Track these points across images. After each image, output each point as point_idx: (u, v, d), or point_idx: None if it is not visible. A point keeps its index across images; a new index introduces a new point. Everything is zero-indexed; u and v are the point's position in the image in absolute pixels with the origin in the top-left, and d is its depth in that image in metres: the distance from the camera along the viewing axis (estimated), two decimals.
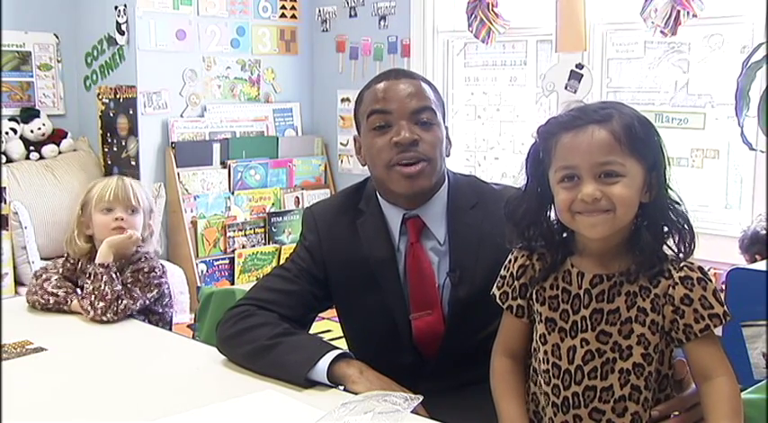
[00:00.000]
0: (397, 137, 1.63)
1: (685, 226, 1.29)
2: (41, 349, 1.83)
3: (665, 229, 1.30)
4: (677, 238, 1.29)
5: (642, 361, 1.30)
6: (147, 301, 2.12)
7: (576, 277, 1.34)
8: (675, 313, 1.28)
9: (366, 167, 1.74)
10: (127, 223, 2.14)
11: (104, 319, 2.01)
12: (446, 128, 1.73)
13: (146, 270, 2.13)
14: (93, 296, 2.03)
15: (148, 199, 2.24)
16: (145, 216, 2.20)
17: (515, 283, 1.40)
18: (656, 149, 1.29)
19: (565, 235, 1.36)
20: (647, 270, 1.29)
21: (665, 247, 1.31)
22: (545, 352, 1.36)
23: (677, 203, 1.30)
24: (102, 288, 2.03)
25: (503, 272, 1.43)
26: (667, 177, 1.30)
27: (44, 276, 2.18)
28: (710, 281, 1.28)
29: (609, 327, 1.31)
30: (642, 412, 1.31)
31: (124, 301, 2.04)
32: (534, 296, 1.38)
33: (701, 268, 1.30)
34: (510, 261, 1.42)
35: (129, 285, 2.09)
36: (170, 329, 2.18)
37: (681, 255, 1.30)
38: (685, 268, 1.29)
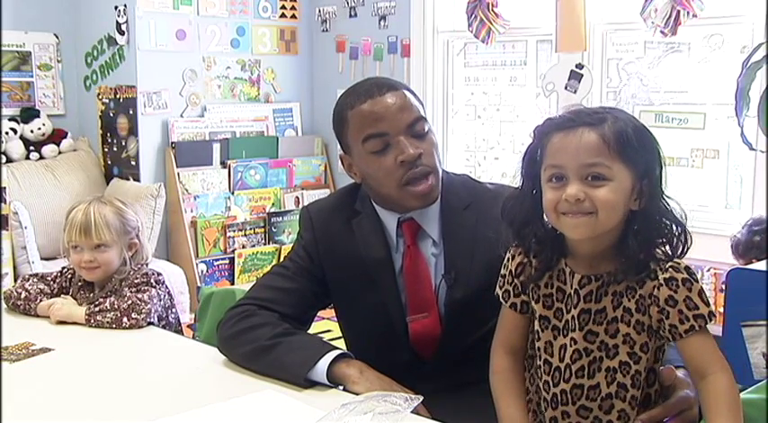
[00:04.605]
0: (403, 155, 1.61)
1: (679, 234, 1.29)
2: (47, 350, 1.83)
3: (656, 236, 1.29)
4: (668, 246, 1.29)
5: (628, 359, 1.31)
6: (161, 302, 2.07)
7: (569, 277, 1.35)
8: (661, 314, 1.28)
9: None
10: (96, 262, 2.08)
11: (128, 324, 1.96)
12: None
13: (141, 280, 2.07)
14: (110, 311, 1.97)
15: (125, 221, 2.13)
16: (121, 240, 2.11)
17: (515, 281, 1.41)
18: (651, 157, 1.29)
19: (558, 234, 1.36)
20: (631, 274, 1.29)
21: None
22: (538, 348, 1.38)
23: (673, 211, 1.29)
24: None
25: (503, 270, 1.44)
26: (662, 186, 1.29)
27: (29, 279, 2.16)
28: (696, 281, 1.28)
29: (596, 326, 1.32)
30: (629, 410, 1.32)
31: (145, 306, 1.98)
32: (530, 293, 1.39)
33: (687, 268, 1.29)
34: (508, 259, 1.43)
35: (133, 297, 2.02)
36: (181, 332, 2.17)
37: (670, 256, 1.29)
38: (671, 269, 1.28)
